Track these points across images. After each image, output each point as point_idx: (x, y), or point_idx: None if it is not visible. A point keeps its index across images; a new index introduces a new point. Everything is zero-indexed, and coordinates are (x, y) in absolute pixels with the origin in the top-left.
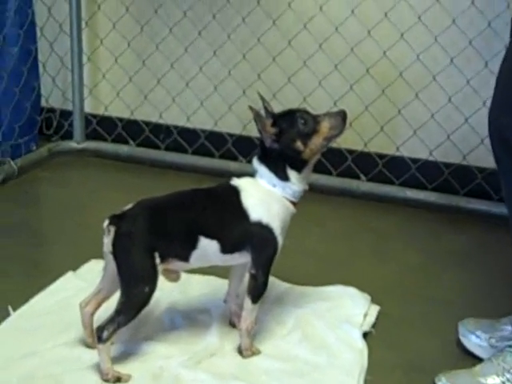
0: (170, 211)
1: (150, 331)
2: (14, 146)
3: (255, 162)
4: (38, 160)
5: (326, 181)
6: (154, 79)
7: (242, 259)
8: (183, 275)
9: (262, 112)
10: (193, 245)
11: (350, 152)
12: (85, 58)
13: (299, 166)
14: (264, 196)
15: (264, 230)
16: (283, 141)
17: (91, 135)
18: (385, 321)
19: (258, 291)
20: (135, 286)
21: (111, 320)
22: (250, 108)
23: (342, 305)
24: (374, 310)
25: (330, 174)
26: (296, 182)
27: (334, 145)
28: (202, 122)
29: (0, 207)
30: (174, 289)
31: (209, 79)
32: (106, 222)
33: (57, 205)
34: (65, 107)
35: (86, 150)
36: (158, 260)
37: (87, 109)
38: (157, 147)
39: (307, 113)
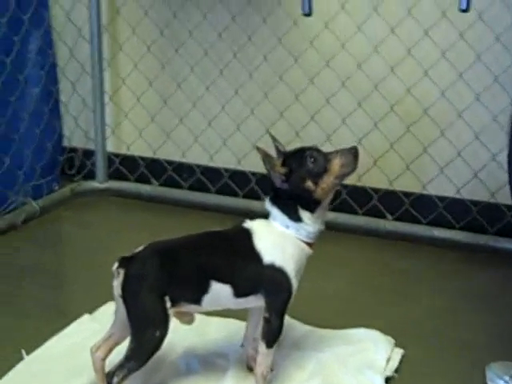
0: (180, 254)
1: (164, 376)
2: (35, 187)
3: (267, 204)
4: (60, 200)
5: (350, 220)
6: (176, 118)
7: (256, 303)
8: (200, 317)
9: (273, 152)
10: (204, 289)
11: (376, 191)
12: (107, 98)
13: (312, 206)
14: (277, 238)
15: (277, 273)
16: (293, 181)
17: (114, 175)
18: (409, 365)
19: (272, 335)
20: (145, 331)
21: (121, 366)
22: (257, 148)
23: (365, 349)
24: (398, 354)
25: (355, 213)
26: (310, 223)
27: (359, 183)
28: (225, 161)
29: (20, 247)
30: (191, 331)
31: (231, 118)
32: (116, 265)
33: (78, 245)
34: (87, 147)
35: (108, 190)
36: (168, 304)
37: (109, 148)
38: (180, 187)
39: (318, 151)
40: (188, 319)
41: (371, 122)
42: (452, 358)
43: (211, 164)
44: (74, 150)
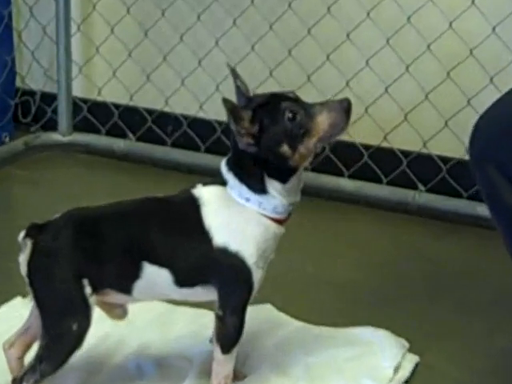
0: (105, 226)
1: (105, 381)
2: None
3: (223, 168)
4: (10, 155)
5: (372, 190)
6: (159, 55)
7: (207, 296)
8: (164, 305)
9: (237, 99)
10: (135, 273)
11: (405, 154)
12: (74, 27)
13: (284, 176)
14: (234, 213)
15: (232, 259)
16: (264, 143)
17: (80, 125)
18: (426, 376)
19: (227, 339)
20: (59, 323)
21: (31, 368)
22: (224, 100)
23: (368, 353)
24: (411, 361)
25: (378, 181)
26: (278, 196)
27: (384, 144)
28: (218, 111)
29: None
30: (149, 323)
31: (227, 55)
32: (22, 234)
33: (28, 212)
34: (47, 89)
35: (72, 144)
36: (88, 289)
37: (76, 92)
38: (162, 142)
39: (296, 101)
40: (118, 312)
41: (402, 64)
42: (482, 369)
43: (201, 115)
44: (30, 92)
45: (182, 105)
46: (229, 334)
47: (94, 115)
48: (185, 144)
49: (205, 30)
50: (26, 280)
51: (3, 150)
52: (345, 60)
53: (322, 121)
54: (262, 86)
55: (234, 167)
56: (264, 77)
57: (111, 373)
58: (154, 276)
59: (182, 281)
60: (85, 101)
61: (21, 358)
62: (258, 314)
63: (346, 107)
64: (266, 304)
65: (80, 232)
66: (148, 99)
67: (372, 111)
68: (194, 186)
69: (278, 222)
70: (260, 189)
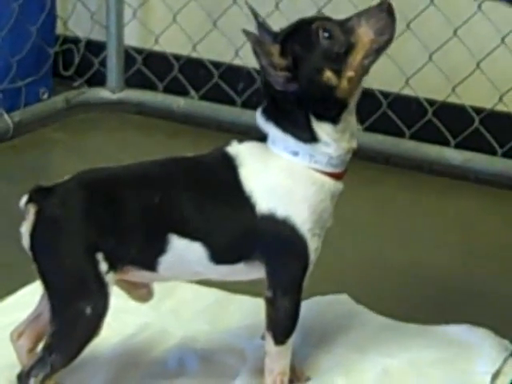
0: (124, 191)
1: (141, 377)
2: (10, 92)
3: (259, 120)
4: (48, 114)
5: (483, 163)
6: None
7: (252, 273)
8: (216, 293)
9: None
10: (160, 246)
11: None
12: None
13: (334, 113)
14: (280, 173)
15: (282, 227)
16: (304, 76)
17: (133, 80)
18: None
19: (280, 325)
20: (69, 305)
21: (40, 361)
22: (246, 33)
23: (460, 356)
24: None
25: (491, 152)
26: (332, 142)
27: (499, 108)
28: None
29: None
30: (199, 313)
31: None
32: (25, 199)
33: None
34: (94, 37)
35: (123, 103)
36: (104, 265)
37: (128, 40)
38: (231, 102)
39: (329, 20)
40: (142, 293)
41: None
42: None
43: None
44: (73, 40)
45: (251, 58)
46: (281, 319)
47: (150, 68)
48: (258, 104)
49: None
50: (30, 254)
51: (40, 108)
52: None
53: (365, 31)
54: None
55: (273, 116)
56: None
57: (149, 367)
58: (185, 251)
59: (219, 256)
60: (139, 51)
61: (32, 349)
62: (331, 306)
63: (386, 8)
64: (341, 294)
65: (93, 197)
66: (215, 50)
67: (485, 67)
68: (228, 144)
69: (335, 176)
70: (309, 137)
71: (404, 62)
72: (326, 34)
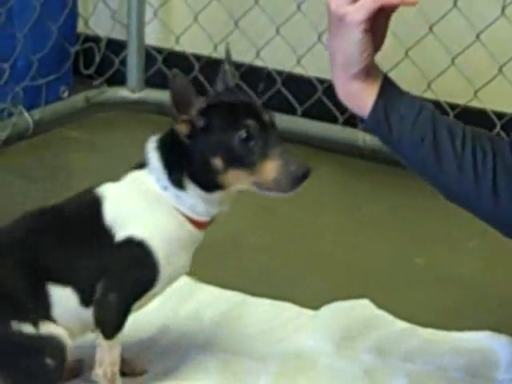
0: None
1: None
2: (30, 90)
3: (150, 145)
4: (68, 113)
5: None
6: None
7: None
8: (237, 296)
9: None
10: (46, 299)
11: None
12: None
13: (208, 187)
14: (144, 202)
15: (136, 248)
16: (199, 144)
17: (153, 80)
18: None
19: (108, 322)
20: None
21: None
22: (175, 75)
23: (481, 362)
24: None
25: None
26: (196, 197)
27: None
28: (320, 67)
29: None
30: (220, 316)
31: None
32: None
33: (87, 183)
34: (115, 35)
35: (143, 102)
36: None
37: (149, 40)
38: None
39: (264, 127)
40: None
41: None
42: None
43: (298, 70)
44: (94, 38)
45: (276, 58)
46: (108, 318)
47: (170, 68)
48: (278, 105)
49: None
50: None
51: (60, 106)
52: None
53: (271, 167)
54: None
55: (161, 146)
56: None
57: (169, 371)
58: (63, 298)
59: (88, 298)
60: (159, 50)
61: None
62: (352, 311)
63: (301, 175)
64: (362, 299)
65: None
66: (235, 50)
67: (507, 71)
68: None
69: (196, 223)
70: (178, 185)
71: (427, 66)
72: (245, 137)
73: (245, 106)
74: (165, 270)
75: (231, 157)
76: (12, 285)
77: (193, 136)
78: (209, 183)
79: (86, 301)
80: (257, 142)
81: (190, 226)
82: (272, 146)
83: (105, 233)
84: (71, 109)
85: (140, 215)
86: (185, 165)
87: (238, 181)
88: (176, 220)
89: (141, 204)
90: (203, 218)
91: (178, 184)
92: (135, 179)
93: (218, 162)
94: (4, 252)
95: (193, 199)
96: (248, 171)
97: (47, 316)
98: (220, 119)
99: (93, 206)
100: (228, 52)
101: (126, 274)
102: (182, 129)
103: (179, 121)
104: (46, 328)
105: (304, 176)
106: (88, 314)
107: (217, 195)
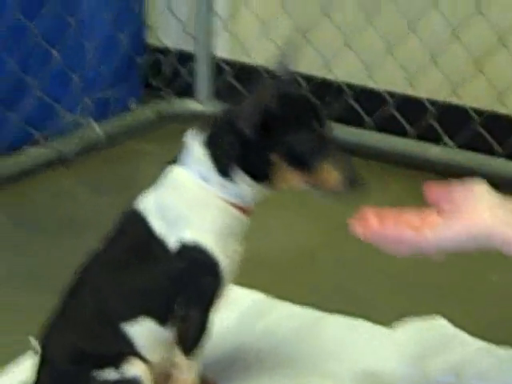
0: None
1: None
2: (100, 102)
3: (191, 134)
4: (137, 125)
5: None
6: (317, 8)
7: None
8: (310, 313)
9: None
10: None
11: None
12: None
13: (258, 178)
14: (189, 199)
15: (191, 252)
16: (259, 137)
17: (223, 92)
18: None
19: (190, 338)
20: None
21: None
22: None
23: None
24: None
25: None
26: (242, 184)
27: None
28: (391, 80)
29: (67, 191)
30: (294, 334)
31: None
32: None
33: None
34: (184, 47)
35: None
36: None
37: (219, 52)
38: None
39: (325, 129)
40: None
41: None
42: None
43: (370, 84)
44: (163, 50)
45: (347, 71)
46: (191, 333)
47: (241, 80)
48: (348, 119)
49: None
50: None
51: (129, 118)
52: None
53: (328, 170)
54: None
55: (210, 140)
56: None
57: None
58: (139, 330)
59: (164, 318)
60: (228, 62)
61: None
62: (426, 329)
63: (358, 181)
64: (437, 317)
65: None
66: (305, 63)
67: None
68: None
69: (241, 209)
70: (226, 175)
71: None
72: (306, 137)
73: (309, 106)
74: (224, 262)
75: (291, 154)
76: (87, 338)
77: (257, 131)
78: (261, 176)
79: (163, 321)
80: (318, 143)
81: (237, 213)
82: (331, 147)
83: (159, 246)
84: (140, 121)
85: (186, 215)
86: (237, 156)
87: (292, 178)
88: (223, 209)
89: (184, 204)
90: (249, 205)
91: (225, 175)
92: (172, 180)
93: (276, 158)
94: (75, 308)
95: (237, 188)
96: (305, 170)
97: (129, 352)
98: (283, 117)
99: (140, 223)
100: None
101: (197, 284)
102: (254, 125)
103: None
104: (129, 367)
105: (359, 183)
106: (166, 333)
107: (264, 186)
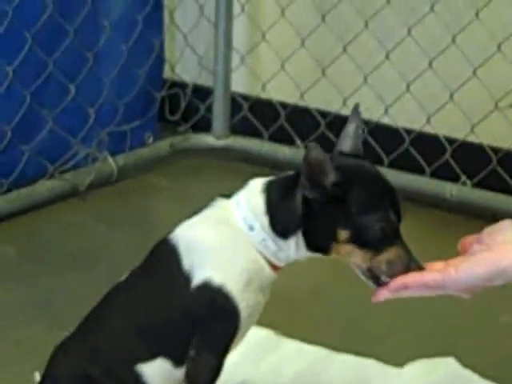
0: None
1: None
2: (115, 135)
3: (257, 185)
4: (152, 159)
5: None
6: (338, 44)
7: None
8: (318, 351)
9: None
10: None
11: None
12: (237, 7)
13: (316, 247)
14: (225, 237)
15: (215, 294)
16: (330, 210)
17: (239, 127)
18: None
19: (202, 379)
20: None
21: None
22: (311, 147)
23: None
24: None
25: None
26: (292, 249)
27: None
28: (408, 116)
29: (79, 224)
30: (300, 373)
31: (422, 47)
32: None
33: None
34: (201, 82)
35: (228, 150)
36: None
37: (236, 87)
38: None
39: (398, 215)
40: None
41: None
42: None
43: (386, 120)
44: (180, 84)
45: (363, 107)
46: (202, 378)
47: (257, 116)
48: (365, 155)
49: (394, 14)
50: None
51: (145, 152)
52: None
53: (391, 256)
54: None
55: (273, 193)
56: None
57: None
58: (154, 371)
59: (180, 359)
60: (246, 97)
61: None
62: (436, 369)
63: (411, 267)
64: (448, 357)
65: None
66: (322, 98)
67: None
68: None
69: (273, 267)
70: (282, 232)
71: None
72: (380, 225)
73: (388, 190)
74: (245, 312)
75: (360, 235)
76: (103, 376)
77: (323, 202)
78: (319, 246)
79: (178, 362)
80: (389, 230)
81: (269, 270)
82: (398, 235)
83: (183, 281)
84: (156, 155)
85: (217, 255)
86: (300, 221)
87: (350, 256)
88: (256, 262)
89: (219, 242)
90: (282, 264)
91: (280, 233)
92: (216, 213)
93: (343, 235)
94: (93, 337)
95: (283, 251)
96: (369, 252)
97: None
98: (364, 198)
99: (171, 255)
100: (357, 109)
101: (212, 326)
102: (312, 195)
103: (309, 190)
104: None
105: (415, 268)
106: (180, 373)
107: (313, 255)
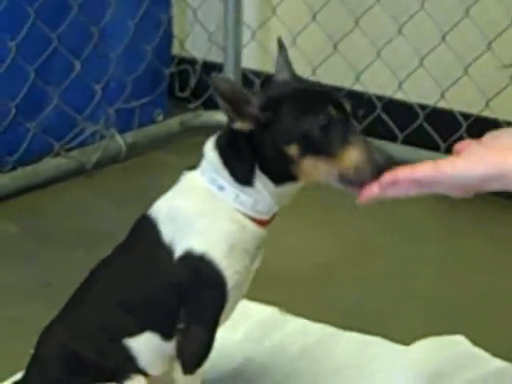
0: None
1: None
2: (123, 112)
3: (208, 145)
4: (161, 136)
5: None
6: (350, 18)
7: None
8: (323, 329)
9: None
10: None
11: None
12: None
13: (279, 178)
14: (200, 205)
15: (198, 263)
16: (272, 134)
17: None
18: None
19: (192, 355)
20: None
21: None
22: (214, 78)
23: None
24: None
25: None
26: (264, 192)
27: None
28: (422, 92)
29: (87, 203)
30: (304, 351)
31: (435, 21)
32: None
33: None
34: (211, 58)
35: None
36: None
37: (247, 63)
38: None
39: (344, 113)
40: None
41: None
42: None
43: (399, 96)
44: (189, 60)
45: (377, 83)
46: (194, 350)
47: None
48: (379, 132)
49: None
50: None
51: (154, 129)
52: None
53: (352, 156)
54: None
55: (221, 145)
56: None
57: None
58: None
59: (169, 332)
60: (257, 73)
61: None
62: (447, 347)
63: (385, 164)
64: (457, 335)
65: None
66: (334, 74)
67: None
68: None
69: (258, 222)
70: (245, 179)
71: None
72: (325, 123)
73: (324, 93)
74: (231, 279)
75: (309, 144)
76: (89, 349)
77: (259, 130)
78: (281, 174)
79: (167, 336)
80: (338, 128)
81: (252, 226)
82: (354, 132)
83: (165, 254)
84: (165, 132)
85: (196, 223)
86: (252, 159)
87: (314, 169)
88: (236, 222)
89: (195, 210)
90: (264, 216)
91: (244, 180)
92: (185, 185)
93: (293, 151)
94: (79, 315)
95: (256, 195)
96: (327, 158)
97: (130, 367)
98: (296, 107)
99: (148, 232)
100: (281, 42)
101: (198, 297)
102: (245, 127)
103: (238, 121)
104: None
105: (388, 166)
106: (170, 347)
107: (286, 188)
